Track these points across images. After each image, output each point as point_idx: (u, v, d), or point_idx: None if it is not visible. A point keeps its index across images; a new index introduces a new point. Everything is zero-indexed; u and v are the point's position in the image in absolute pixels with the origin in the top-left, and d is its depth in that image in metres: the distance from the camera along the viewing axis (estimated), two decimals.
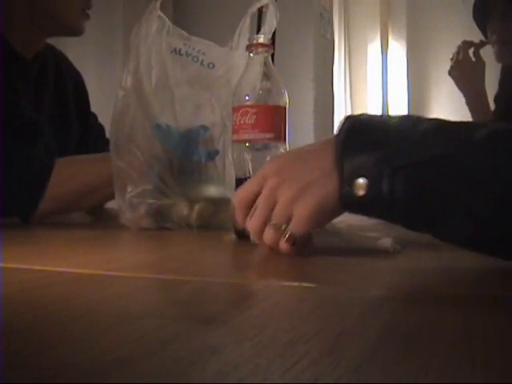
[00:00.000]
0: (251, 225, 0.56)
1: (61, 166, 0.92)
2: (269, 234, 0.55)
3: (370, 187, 0.48)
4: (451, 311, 0.36)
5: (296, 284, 0.46)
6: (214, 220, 0.81)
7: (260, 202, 0.55)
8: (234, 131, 0.70)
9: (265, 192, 0.55)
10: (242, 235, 0.68)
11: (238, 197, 0.58)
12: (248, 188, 0.57)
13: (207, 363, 0.25)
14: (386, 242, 0.58)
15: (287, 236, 0.53)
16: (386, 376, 0.24)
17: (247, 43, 0.72)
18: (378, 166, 0.48)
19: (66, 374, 0.24)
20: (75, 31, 1.10)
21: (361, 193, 0.48)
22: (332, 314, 0.36)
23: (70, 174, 0.93)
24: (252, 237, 0.58)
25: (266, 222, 0.55)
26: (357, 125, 0.52)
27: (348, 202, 0.50)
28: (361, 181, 0.48)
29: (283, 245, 0.54)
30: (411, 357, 0.27)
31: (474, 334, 0.31)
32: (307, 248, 0.56)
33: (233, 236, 0.70)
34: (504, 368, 0.26)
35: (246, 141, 0.68)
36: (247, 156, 0.69)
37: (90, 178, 0.95)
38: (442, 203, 0.47)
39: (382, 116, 0.55)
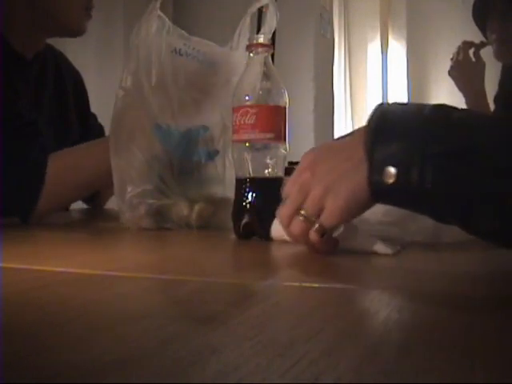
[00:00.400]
0: (280, 214, 0.57)
1: (54, 161, 0.91)
2: (297, 224, 0.56)
3: (399, 175, 0.48)
4: (451, 311, 0.36)
5: (296, 284, 0.46)
6: (214, 220, 0.81)
7: (291, 194, 0.56)
8: (234, 131, 0.70)
9: (296, 186, 0.56)
10: (242, 235, 0.69)
11: (284, 193, 0.59)
12: (289, 184, 0.58)
13: (207, 363, 0.25)
14: (384, 247, 0.58)
15: (317, 227, 0.54)
16: (386, 376, 0.24)
17: (247, 43, 0.72)
18: (408, 155, 0.48)
19: (66, 375, 0.24)
20: (76, 31, 1.09)
21: (390, 181, 0.48)
22: (332, 314, 0.36)
23: (64, 170, 0.93)
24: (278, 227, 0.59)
25: (294, 213, 0.56)
26: (387, 114, 0.52)
27: (377, 191, 0.50)
28: (390, 169, 0.48)
29: (312, 235, 0.54)
30: (411, 357, 0.27)
31: (473, 334, 0.31)
32: (332, 245, 0.56)
33: (233, 236, 0.70)
34: (504, 368, 0.26)
35: (246, 141, 0.68)
36: (247, 156, 0.69)
37: (85, 172, 0.95)
38: (469, 196, 0.46)
39: (412, 105, 0.54)
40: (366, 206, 0.53)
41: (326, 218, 0.53)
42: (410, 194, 0.48)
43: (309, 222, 0.54)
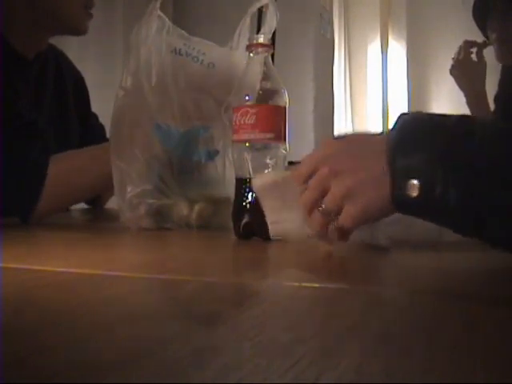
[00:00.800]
0: (303, 201, 0.58)
1: (56, 163, 0.92)
2: (317, 218, 0.57)
3: (422, 189, 0.48)
4: (451, 311, 0.36)
5: (296, 284, 0.46)
6: (214, 220, 0.81)
7: (311, 184, 0.57)
8: (234, 131, 0.70)
9: (316, 178, 0.56)
10: (242, 235, 0.68)
11: (295, 173, 0.59)
12: (302, 169, 0.59)
13: (207, 363, 0.25)
14: (382, 239, 0.59)
15: (336, 226, 0.55)
16: (387, 376, 0.24)
17: (247, 43, 0.72)
18: (431, 169, 0.48)
19: (66, 374, 0.24)
20: (78, 30, 1.09)
21: (414, 194, 0.49)
22: (332, 314, 0.36)
23: (66, 172, 0.93)
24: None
25: (315, 203, 0.57)
26: (410, 124, 0.53)
27: (400, 204, 0.51)
28: (414, 182, 0.49)
29: (332, 233, 0.56)
30: (411, 357, 0.27)
31: (475, 334, 0.31)
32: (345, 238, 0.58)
33: (233, 236, 0.70)
34: (505, 368, 0.26)
35: (246, 141, 0.68)
36: (247, 156, 0.69)
37: (88, 175, 0.95)
38: (492, 210, 0.46)
39: (436, 116, 0.54)
40: (385, 214, 0.54)
41: (344, 220, 0.54)
42: (433, 207, 0.49)
43: (327, 216, 0.55)
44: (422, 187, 0.48)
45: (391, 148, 0.51)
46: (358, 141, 0.59)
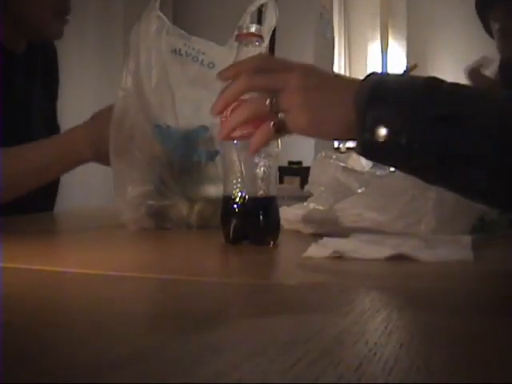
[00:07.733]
0: (253, 80, 0.58)
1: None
2: (256, 103, 0.58)
3: (389, 136, 0.50)
4: (451, 311, 0.36)
5: (296, 284, 0.46)
6: (214, 220, 0.81)
7: (270, 75, 0.58)
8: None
9: (279, 75, 0.57)
10: (233, 241, 0.66)
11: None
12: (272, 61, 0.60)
13: (207, 363, 0.25)
14: (384, 250, 0.57)
15: (277, 120, 0.56)
16: (386, 376, 0.24)
17: (236, 32, 0.66)
18: (399, 118, 0.50)
19: (66, 374, 0.24)
20: (49, 36, 1.07)
21: (380, 140, 0.50)
22: (332, 313, 0.36)
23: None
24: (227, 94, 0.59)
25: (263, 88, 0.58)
26: (382, 80, 0.54)
27: (367, 148, 0.52)
28: (381, 129, 0.50)
29: (266, 127, 0.57)
30: (411, 356, 0.27)
31: (474, 334, 0.31)
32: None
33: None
34: (504, 368, 0.26)
35: (238, 137, 0.62)
36: (239, 154, 0.64)
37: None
38: (457, 157, 0.49)
39: (405, 76, 0.60)
40: (338, 137, 0.59)
41: (293, 123, 0.56)
42: (398, 152, 0.50)
43: (271, 110, 0.56)
44: (388, 135, 0.50)
45: (363, 98, 0.52)
46: (328, 83, 0.58)
